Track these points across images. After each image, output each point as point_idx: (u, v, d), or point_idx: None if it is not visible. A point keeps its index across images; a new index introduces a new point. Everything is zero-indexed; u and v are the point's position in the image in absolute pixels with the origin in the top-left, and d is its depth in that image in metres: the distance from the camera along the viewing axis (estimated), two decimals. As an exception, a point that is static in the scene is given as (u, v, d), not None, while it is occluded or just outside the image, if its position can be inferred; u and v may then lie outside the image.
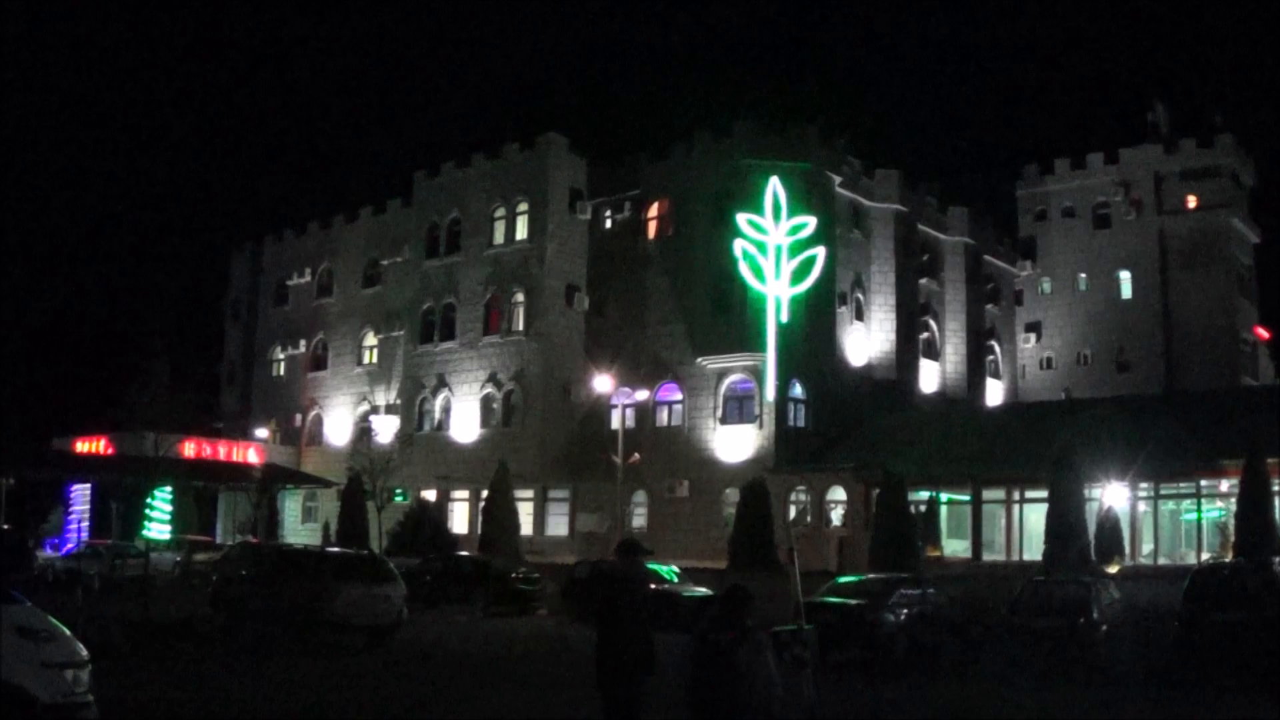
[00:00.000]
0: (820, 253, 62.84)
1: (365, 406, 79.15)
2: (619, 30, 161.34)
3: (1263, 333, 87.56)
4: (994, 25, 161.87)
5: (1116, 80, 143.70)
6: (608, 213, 71.65)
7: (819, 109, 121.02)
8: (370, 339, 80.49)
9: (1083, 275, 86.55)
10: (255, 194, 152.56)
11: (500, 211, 72.36)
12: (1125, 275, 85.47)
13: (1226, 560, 42.28)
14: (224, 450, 75.99)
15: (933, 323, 76.43)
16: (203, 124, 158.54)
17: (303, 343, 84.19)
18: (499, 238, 72.33)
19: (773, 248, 62.12)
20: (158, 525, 63.04)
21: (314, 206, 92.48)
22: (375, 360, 79.70)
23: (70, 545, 61.90)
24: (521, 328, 70.10)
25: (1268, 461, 45.68)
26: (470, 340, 71.92)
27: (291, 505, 79.59)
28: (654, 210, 69.78)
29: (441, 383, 73.05)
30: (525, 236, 70.83)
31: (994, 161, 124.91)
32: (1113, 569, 45.65)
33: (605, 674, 13.03)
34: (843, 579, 34.36)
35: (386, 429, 75.52)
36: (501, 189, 72.12)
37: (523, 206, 71.32)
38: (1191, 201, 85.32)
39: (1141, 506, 52.98)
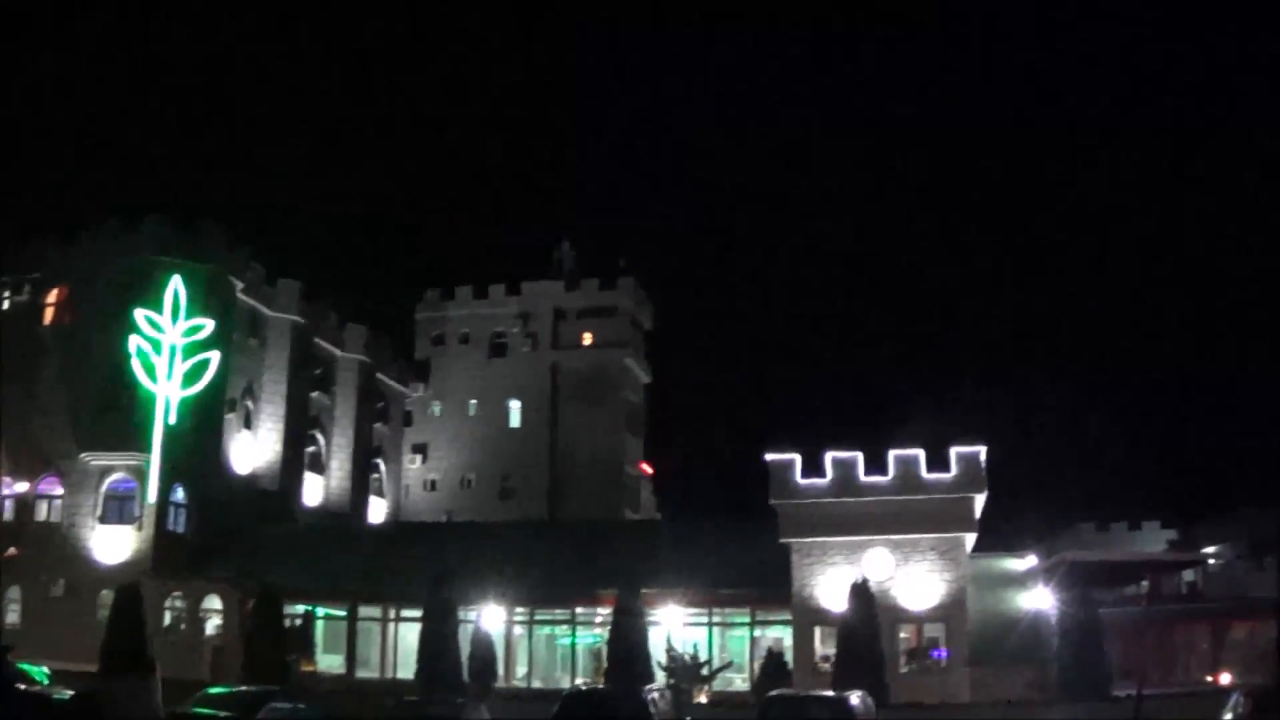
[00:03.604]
0: (215, 357, 62.54)
1: None
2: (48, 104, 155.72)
3: (646, 468, 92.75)
4: (412, 154, 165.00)
5: (529, 216, 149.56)
6: (7, 294, 68.58)
7: (228, 212, 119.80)
8: None
9: (474, 401, 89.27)
10: None
11: (-110, 285, 67.94)
12: (515, 404, 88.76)
13: (599, 686, 45.04)
14: None
15: (321, 436, 77.12)
16: None
17: None
18: (-112, 311, 67.74)
19: (167, 347, 61.35)
20: None
21: None
22: None
23: None
24: (-97, 408, 65.83)
25: (642, 592, 49.25)
26: None
27: None
28: (54, 296, 67.28)
29: None
30: (-88, 312, 66.81)
31: (399, 283, 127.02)
32: (486, 690, 47.16)
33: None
34: (213, 689, 34.52)
35: None
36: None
37: (-87, 281, 67.34)
38: (588, 338, 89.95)
39: (518, 630, 55.51)
